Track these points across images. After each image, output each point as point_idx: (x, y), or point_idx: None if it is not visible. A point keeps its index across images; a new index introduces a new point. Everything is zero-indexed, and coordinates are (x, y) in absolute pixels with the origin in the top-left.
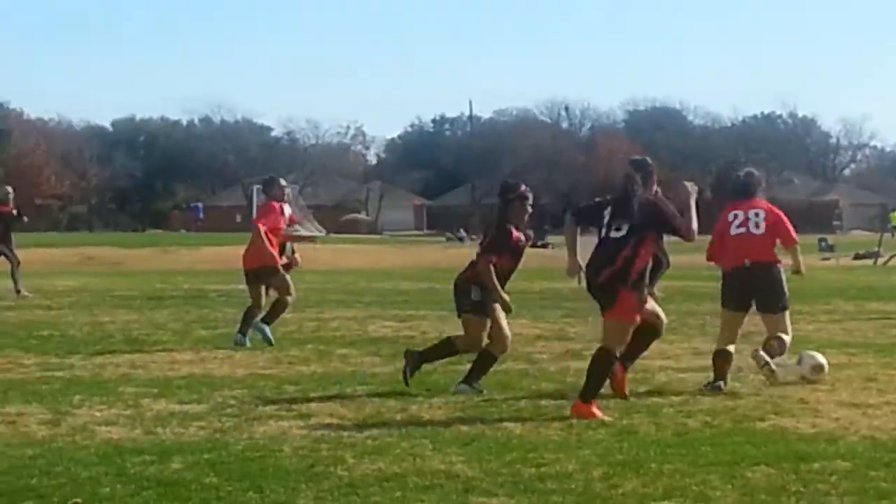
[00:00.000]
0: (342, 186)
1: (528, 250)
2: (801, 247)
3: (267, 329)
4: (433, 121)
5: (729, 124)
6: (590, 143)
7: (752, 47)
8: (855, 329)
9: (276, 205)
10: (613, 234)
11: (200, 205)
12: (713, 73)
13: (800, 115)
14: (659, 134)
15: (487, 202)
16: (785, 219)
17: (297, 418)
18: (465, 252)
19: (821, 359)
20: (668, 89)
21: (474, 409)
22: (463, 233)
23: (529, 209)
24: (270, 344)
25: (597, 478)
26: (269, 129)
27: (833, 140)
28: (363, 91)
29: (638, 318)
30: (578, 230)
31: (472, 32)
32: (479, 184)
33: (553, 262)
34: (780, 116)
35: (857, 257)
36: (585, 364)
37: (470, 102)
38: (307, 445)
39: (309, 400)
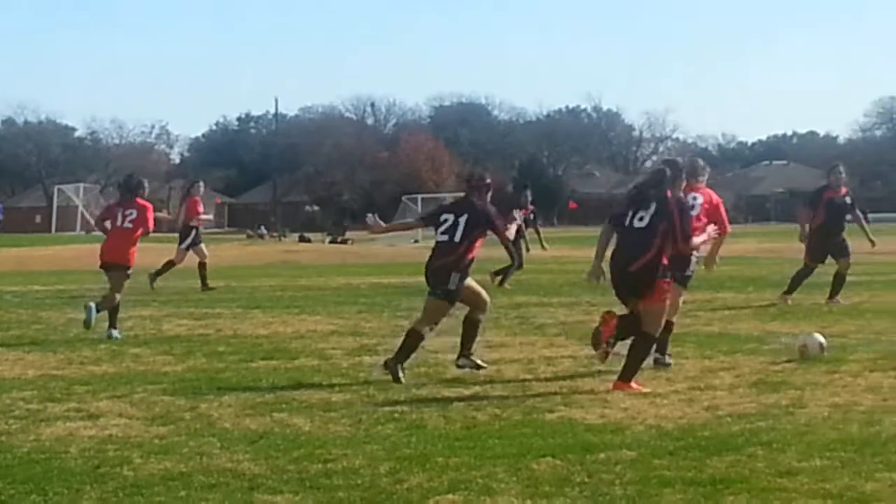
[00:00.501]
0: None
1: (327, 247)
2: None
3: (94, 311)
4: (238, 119)
5: (534, 118)
6: (394, 140)
7: (557, 42)
8: None
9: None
10: (637, 223)
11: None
12: (519, 68)
13: (604, 108)
14: (463, 129)
15: (289, 199)
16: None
17: (86, 419)
18: (264, 249)
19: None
20: (474, 85)
21: (264, 406)
22: (263, 230)
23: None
24: (87, 326)
25: (383, 473)
26: (73, 129)
27: (636, 133)
28: (170, 90)
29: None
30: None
31: (278, 31)
32: (281, 181)
33: (350, 258)
34: (584, 110)
35: None
36: (378, 359)
37: (276, 100)
38: (94, 446)
39: (98, 400)
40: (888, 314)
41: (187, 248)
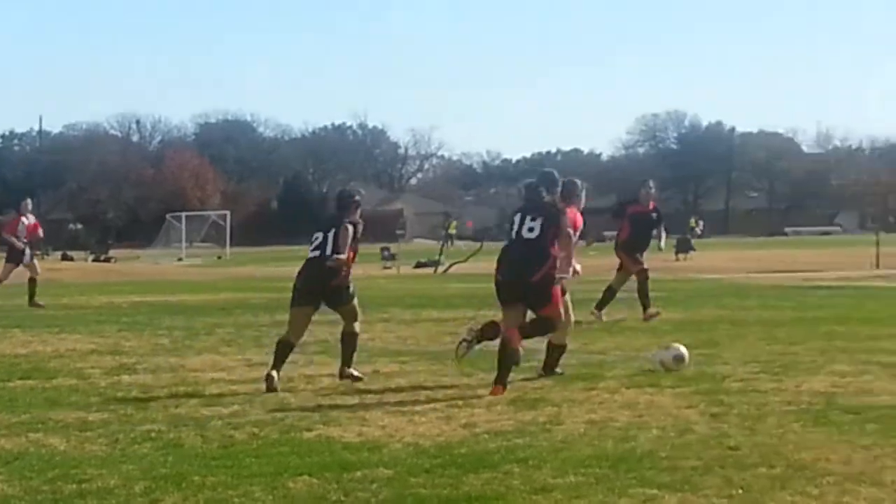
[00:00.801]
0: None
1: (90, 265)
2: (364, 257)
3: None
4: (1, 136)
5: (299, 135)
6: (159, 157)
7: (322, 58)
8: (409, 337)
9: None
10: (527, 234)
11: None
12: (284, 85)
13: (370, 125)
14: (229, 146)
15: (53, 217)
16: None
17: None
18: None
19: (684, 351)
20: (240, 102)
21: (20, 426)
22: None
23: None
24: None
25: (138, 492)
26: None
27: (402, 150)
28: None
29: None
30: None
31: (42, 47)
32: (45, 199)
33: (113, 276)
34: (350, 127)
35: (417, 266)
36: (138, 378)
37: (40, 118)
38: None
39: None
40: (647, 332)
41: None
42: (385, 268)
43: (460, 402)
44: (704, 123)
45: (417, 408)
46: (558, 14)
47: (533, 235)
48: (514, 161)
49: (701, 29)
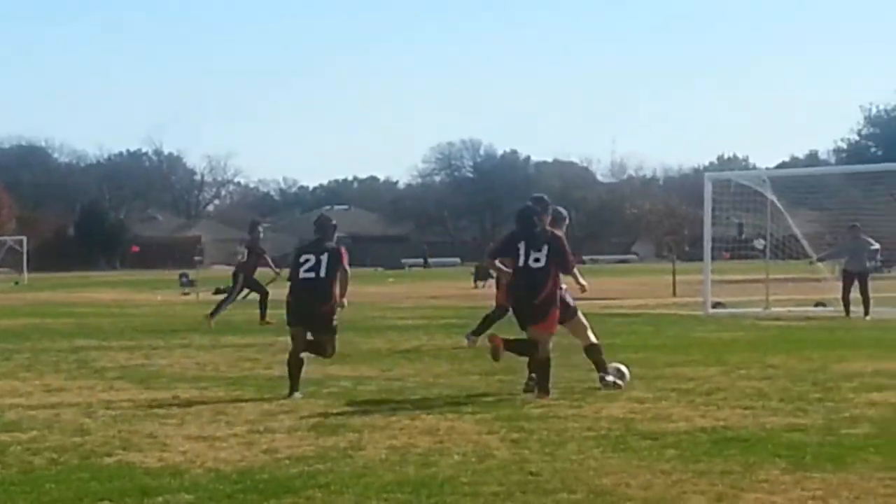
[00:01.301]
0: None
1: None
2: (163, 283)
3: None
4: None
5: (94, 161)
6: None
7: (117, 83)
8: (208, 362)
9: None
10: (533, 264)
11: None
12: (78, 110)
13: (166, 152)
14: (24, 171)
15: None
16: None
17: None
18: None
19: (624, 369)
20: (35, 127)
21: None
22: None
23: None
24: None
25: None
26: None
27: (198, 177)
28: None
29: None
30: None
31: None
32: None
33: None
34: (146, 153)
35: (216, 292)
36: None
37: None
38: None
39: None
40: (445, 358)
41: None
42: (184, 294)
43: (261, 428)
44: (500, 152)
45: (218, 433)
46: (353, 37)
47: (539, 266)
48: (311, 188)
49: (491, 58)
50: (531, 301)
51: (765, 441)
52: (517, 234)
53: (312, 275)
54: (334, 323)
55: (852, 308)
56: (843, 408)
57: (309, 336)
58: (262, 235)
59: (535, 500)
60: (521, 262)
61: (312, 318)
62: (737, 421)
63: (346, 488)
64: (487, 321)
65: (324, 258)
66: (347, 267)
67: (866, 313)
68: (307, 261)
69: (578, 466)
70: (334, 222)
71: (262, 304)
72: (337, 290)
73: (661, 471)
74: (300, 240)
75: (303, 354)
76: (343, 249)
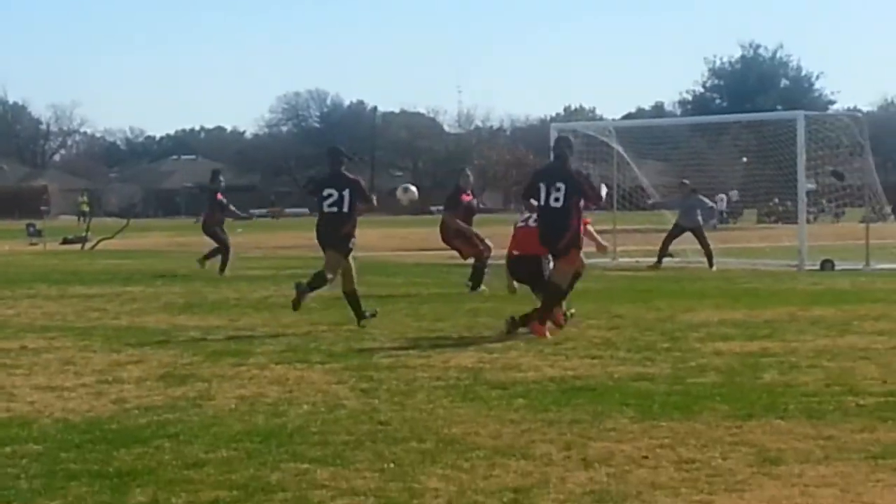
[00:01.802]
0: None
1: None
2: (10, 233)
3: None
4: None
5: None
6: None
7: None
8: (56, 312)
9: None
10: (553, 203)
11: None
12: None
13: (10, 101)
14: None
15: None
16: None
17: None
18: None
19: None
20: None
21: None
22: None
23: None
24: None
25: None
26: None
27: (43, 126)
28: None
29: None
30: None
31: None
32: None
33: None
34: None
35: (64, 242)
36: None
37: None
38: None
39: None
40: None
41: None
42: (31, 244)
43: (110, 378)
44: (347, 102)
45: (67, 383)
46: None
47: (558, 205)
48: (157, 138)
49: (338, 6)
50: (554, 246)
51: (613, 390)
52: (539, 174)
53: (336, 209)
54: (350, 245)
55: (697, 259)
56: (690, 357)
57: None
58: (223, 184)
59: (384, 448)
60: (542, 201)
61: (334, 239)
62: (585, 370)
63: (196, 438)
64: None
65: (346, 194)
66: (374, 199)
67: (710, 265)
68: (330, 195)
69: (428, 416)
70: (343, 150)
71: (213, 252)
72: (356, 219)
73: (510, 420)
74: (316, 172)
75: (329, 276)
76: (362, 182)
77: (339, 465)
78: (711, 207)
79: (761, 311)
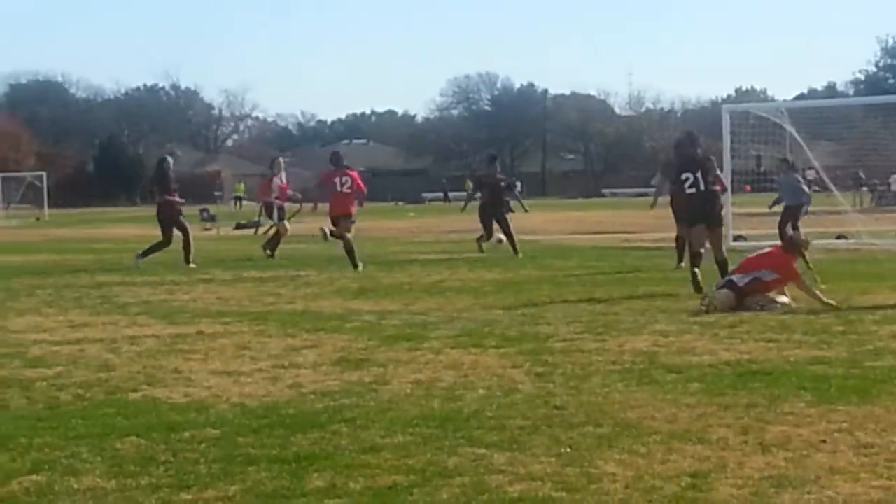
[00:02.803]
0: None
1: None
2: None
3: None
4: None
5: (112, 97)
6: None
7: (133, 18)
8: (231, 297)
9: None
10: (691, 188)
11: None
12: (95, 44)
13: (182, 86)
14: (42, 107)
15: None
16: None
17: None
18: None
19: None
20: (51, 62)
21: None
22: None
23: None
24: None
25: None
26: None
27: (216, 111)
28: None
29: None
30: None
31: None
32: None
33: None
34: (162, 88)
35: (237, 227)
36: None
37: None
38: None
39: None
40: (468, 292)
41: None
42: (205, 229)
43: (286, 363)
44: (517, 86)
45: (243, 368)
46: None
47: (704, 187)
48: (329, 122)
49: None
50: (712, 214)
51: (789, 374)
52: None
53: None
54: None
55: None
56: (867, 340)
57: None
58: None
59: (561, 433)
60: (689, 186)
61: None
62: (760, 354)
63: (372, 423)
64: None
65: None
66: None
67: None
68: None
69: (603, 400)
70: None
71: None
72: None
73: (685, 404)
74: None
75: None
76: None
77: (515, 450)
78: (806, 192)
79: None
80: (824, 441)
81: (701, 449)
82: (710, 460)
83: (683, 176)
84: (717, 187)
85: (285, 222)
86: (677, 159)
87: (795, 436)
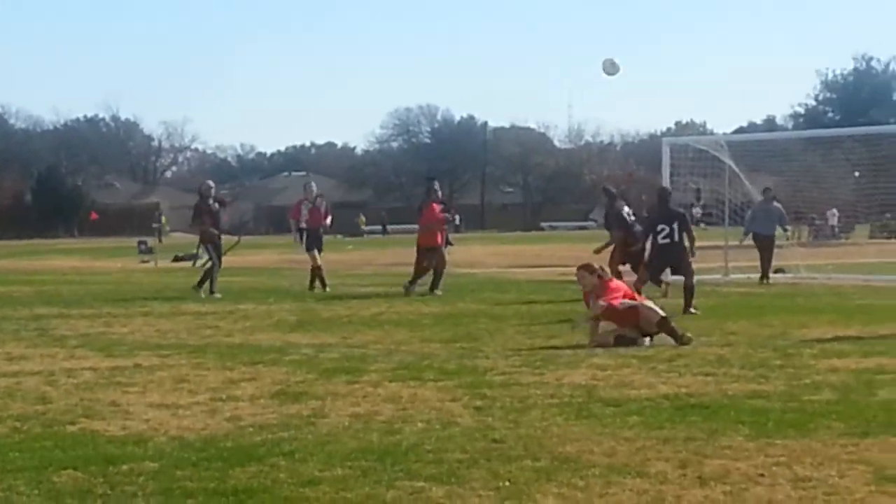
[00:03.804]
0: None
1: None
2: (122, 250)
3: None
4: None
5: (51, 127)
6: None
7: (72, 48)
8: (169, 330)
9: None
10: (663, 240)
11: None
12: (34, 74)
13: (122, 117)
14: None
15: None
16: None
17: None
18: None
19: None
20: None
21: None
22: None
23: None
24: None
25: None
26: None
27: (155, 143)
28: None
29: None
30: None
31: None
32: None
33: None
34: (102, 119)
35: (175, 259)
36: None
37: None
38: None
39: None
40: (406, 325)
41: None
42: (143, 262)
43: (224, 396)
44: (457, 118)
45: (181, 401)
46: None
47: (677, 238)
48: (268, 154)
49: (447, 22)
50: (680, 263)
51: (727, 408)
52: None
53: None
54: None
55: (811, 275)
56: (805, 374)
57: None
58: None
59: (499, 466)
60: (664, 237)
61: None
62: (699, 388)
63: (311, 456)
64: None
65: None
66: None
67: (763, 278)
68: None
69: (542, 433)
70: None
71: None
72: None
73: (624, 438)
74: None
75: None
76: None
77: (454, 483)
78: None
79: (876, 327)
80: (762, 475)
81: (640, 482)
82: (649, 494)
83: (659, 227)
84: (688, 242)
85: (315, 252)
86: (659, 210)
87: (734, 469)
